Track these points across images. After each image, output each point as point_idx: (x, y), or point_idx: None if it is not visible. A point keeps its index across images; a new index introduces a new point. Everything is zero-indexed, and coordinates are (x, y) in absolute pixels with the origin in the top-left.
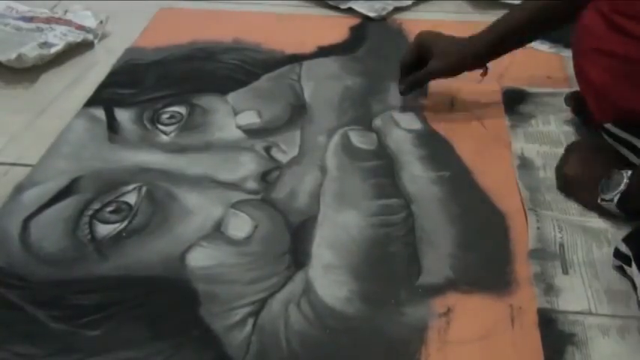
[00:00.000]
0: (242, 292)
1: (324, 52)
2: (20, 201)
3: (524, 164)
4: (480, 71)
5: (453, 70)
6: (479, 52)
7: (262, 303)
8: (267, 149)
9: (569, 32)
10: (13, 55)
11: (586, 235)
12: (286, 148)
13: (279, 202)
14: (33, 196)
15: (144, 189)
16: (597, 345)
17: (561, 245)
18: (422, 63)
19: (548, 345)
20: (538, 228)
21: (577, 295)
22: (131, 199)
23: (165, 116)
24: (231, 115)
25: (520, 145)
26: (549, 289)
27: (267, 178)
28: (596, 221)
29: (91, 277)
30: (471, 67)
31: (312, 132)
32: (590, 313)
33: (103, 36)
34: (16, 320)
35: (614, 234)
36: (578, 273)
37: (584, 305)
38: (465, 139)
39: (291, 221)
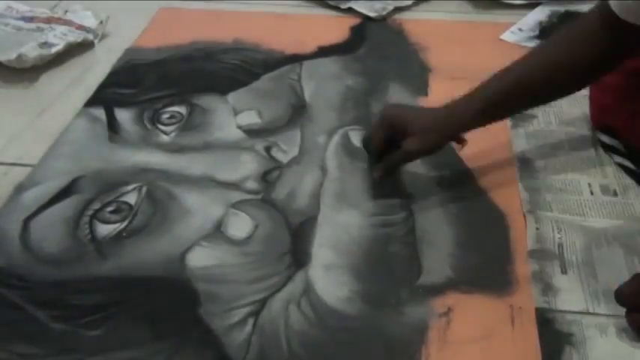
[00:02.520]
0: (242, 292)
1: (324, 52)
2: (20, 201)
3: (525, 165)
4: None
5: (432, 148)
6: (464, 124)
7: (262, 303)
8: (268, 149)
9: None
10: (13, 55)
11: (585, 235)
12: (286, 148)
13: (280, 202)
14: (33, 196)
15: (144, 189)
16: (595, 345)
17: (560, 245)
18: (392, 142)
19: (545, 345)
20: (537, 228)
21: (575, 295)
22: (131, 199)
23: (165, 116)
24: (232, 115)
25: (521, 146)
26: (547, 289)
27: (268, 178)
28: (595, 221)
29: (91, 277)
30: (450, 140)
31: (312, 132)
32: (588, 313)
33: (103, 36)
34: (16, 320)
35: (614, 234)
36: (577, 273)
37: (582, 305)
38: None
39: (292, 221)
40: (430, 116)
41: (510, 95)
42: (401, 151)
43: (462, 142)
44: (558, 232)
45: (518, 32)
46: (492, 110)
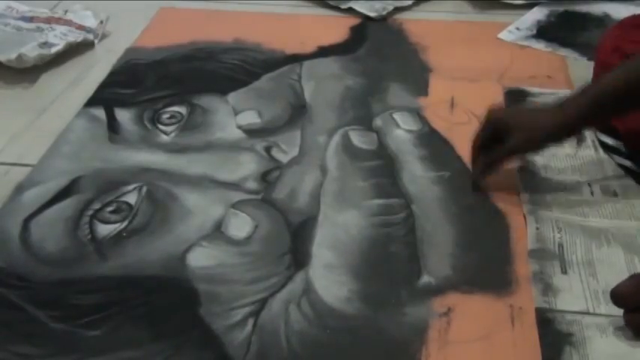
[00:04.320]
0: (242, 292)
1: (324, 52)
2: (20, 201)
3: (525, 165)
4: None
5: (537, 145)
6: (568, 122)
7: (262, 303)
8: (268, 149)
9: (567, 32)
10: (13, 55)
11: (585, 234)
12: (286, 148)
13: (280, 202)
14: (33, 196)
15: (144, 189)
16: (595, 345)
17: (560, 245)
18: (496, 142)
19: (545, 345)
20: (537, 228)
21: (575, 295)
22: (131, 199)
23: (165, 116)
24: (232, 115)
25: None
26: (547, 289)
27: (268, 178)
28: (595, 221)
29: (91, 277)
30: (559, 138)
31: (312, 132)
32: (588, 313)
33: (103, 36)
34: (16, 320)
35: (614, 234)
36: (577, 273)
37: (582, 305)
38: (465, 139)
39: (292, 221)
40: (533, 114)
41: (615, 95)
42: (504, 148)
43: (579, 137)
44: (558, 232)
45: (516, 31)
46: (597, 109)
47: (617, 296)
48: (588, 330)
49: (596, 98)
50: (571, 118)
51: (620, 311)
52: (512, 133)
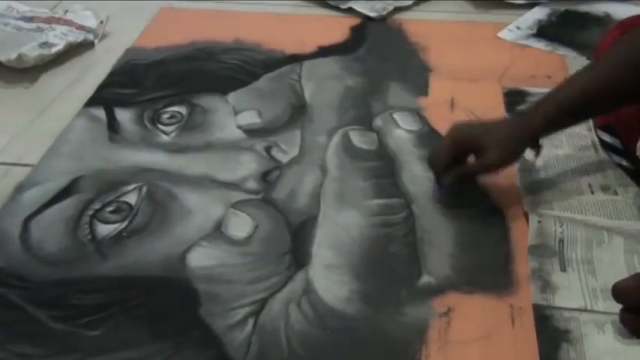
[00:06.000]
0: (242, 292)
1: (324, 52)
2: (20, 201)
3: (525, 165)
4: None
5: (514, 158)
6: (538, 130)
7: (263, 303)
8: (268, 149)
9: (568, 31)
10: (13, 55)
11: (587, 231)
12: (287, 148)
13: (280, 202)
14: (33, 196)
15: (144, 189)
16: (592, 341)
17: (561, 241)
18: (460, 159)
19: (543, 341)
20: (539, 222)
21: (573, 292)
22: (131, 199)
23: (165, 116)
24: (232, 115)
25: None
26: (546, 286)
27: (268, 178)
28: (596, 220)
29: (91, 277)
30: (527, 147)
31: (312, 132)
32: (585, 310)
33: (103, 36)
34: (17, 320)
35: (614, 233)
36: (576, 271)
37: (580, 302)
38: None
39: (292, 221)
40: (503, 127)
41: (579, 102)
42: (480, 164)
43: (537, 148)
44: (560, 226)
45: (516, 30)
46: (565, 116)
47: (620, 292)
48: (585, 327)
49: (563, 104)
50: (539, 126)
51: (617, 309)
52: (485, 150)
